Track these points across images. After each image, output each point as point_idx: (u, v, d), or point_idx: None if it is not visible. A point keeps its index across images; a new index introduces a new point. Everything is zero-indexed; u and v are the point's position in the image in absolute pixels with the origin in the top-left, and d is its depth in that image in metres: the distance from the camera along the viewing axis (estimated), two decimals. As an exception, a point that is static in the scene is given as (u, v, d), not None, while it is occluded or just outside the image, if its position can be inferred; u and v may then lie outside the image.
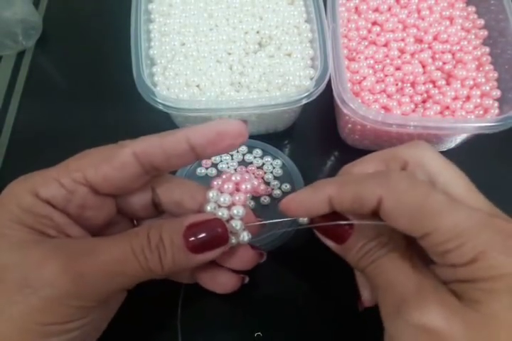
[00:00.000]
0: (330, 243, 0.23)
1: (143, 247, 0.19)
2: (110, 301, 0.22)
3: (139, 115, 0.37)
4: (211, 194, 0.21)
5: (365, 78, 0.32)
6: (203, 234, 0.20)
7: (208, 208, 0.21)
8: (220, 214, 0.21)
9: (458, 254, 0.17)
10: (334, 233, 0.22)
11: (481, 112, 0.32)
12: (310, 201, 0.21)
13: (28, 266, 0.18)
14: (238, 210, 0.21)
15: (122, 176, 0.20)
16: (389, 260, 0.19)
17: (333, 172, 0.36)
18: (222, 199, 0.21)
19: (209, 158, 0.24)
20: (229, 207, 0.21)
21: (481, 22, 0.34)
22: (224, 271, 0.25)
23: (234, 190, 0.22)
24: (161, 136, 0.20)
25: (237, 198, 0.21)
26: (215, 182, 0.22)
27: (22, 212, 0.19)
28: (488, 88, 0.32)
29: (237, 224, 0.21)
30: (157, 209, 0.24)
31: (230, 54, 0.32)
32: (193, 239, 0.19)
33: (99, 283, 0.18)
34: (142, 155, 0.20)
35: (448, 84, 0.33)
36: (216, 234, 0.20)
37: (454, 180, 0.21)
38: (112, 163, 0.20)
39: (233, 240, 0.21)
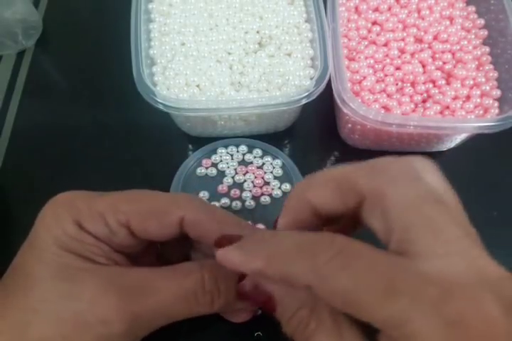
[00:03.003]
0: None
1: (197, 290, 0.19)
2: None
3: (139, 115, 0.37)
4: None
5: (365, 78, 0.32)
6: (258, 295, 0.19)
7: None
8: None
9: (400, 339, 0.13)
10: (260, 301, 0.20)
11: (481, 112, 0.32)
12: (240, 268, 0.17)
13: (81, 300, 0.17)
14: None
15: (163, 234, 0.20)
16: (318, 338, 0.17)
17: (333, 172, 0.36)
18: None
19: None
20: None
21: (481, 22, 0.34)
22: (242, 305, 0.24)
23: None
24: (218, 220, 0.20)
25: None
26: None
27: (69, 238, 0.18)
28: (488, 88, 0.32)
29: None
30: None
31: (230, 54, 0.32)
32: (247, 290, 0.19)
33: (150, 323, 0.18)
34: (186, 224, 0.20)
35: (448, 83, 0.33)
36: (265, 298, 0.19)
37: (418, 230, 0.15)
38: (159, 221, 0.19)
39: None
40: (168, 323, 0.19)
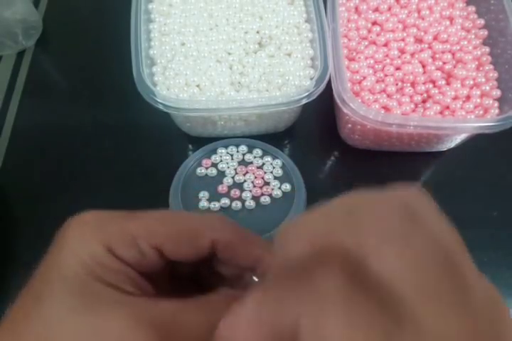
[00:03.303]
0: None
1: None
2: None
3: (139, 115, 0.37)
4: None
5: (365, 78, 0.32)
6: None
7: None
8: None
9: None
10: None
11: (481, 112, 0.32)
12: None
13: (109, 335, 0.15)
14: None
15: (194, 258, 0.19)
16: None
17: (333, 172, 0.36)
18: None
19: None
20: None
21: (481, 22, 0.34)
22: None
23: None
24: (241, 240, 0.19)
25: None
26: None
27: (97, 264, 0.16)
28: (488, 88, 0.32)
29: None
30: None
31: (230, 54, 0.32)
32: None
33: None
34: (215, 246, 0.19)
35: (448, 84, 0.33)
36: None
37: None
38: (193, 244, 0.19)
39: None
40: None
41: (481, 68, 0.33)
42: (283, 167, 0.33)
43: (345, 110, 0.29)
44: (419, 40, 0.34)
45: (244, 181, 0.33)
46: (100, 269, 0.16)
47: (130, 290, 0.17)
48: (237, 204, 0.32)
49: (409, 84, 0.33)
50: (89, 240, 0.17)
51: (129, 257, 0.17)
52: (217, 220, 0.20)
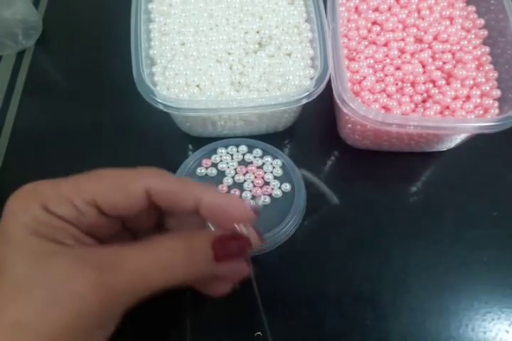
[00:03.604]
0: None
1: (170, 258, 0.19)
2: None
3: (139, 115, 0.37)
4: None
5: (365, 78, 0.32)
6: (231, 247, 0.20)
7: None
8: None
9: None
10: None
11: (481, 112, 0.32)
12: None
13: (54, 278, 0.17)
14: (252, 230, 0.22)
15: (131, 207, 0.20)
16: None
17: (333, 172, 0.36)
18: None
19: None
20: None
21: (481, 22, 0.34)
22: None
23: None
24: (178, 185, 0.21)
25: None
26: None
27: (37, 223, 0.18)
28: (488, 88, 0.32)
29: (251, 233, 0.22)
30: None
31: (230, 54, 0.32)
32: (223, 252, 0.20)
33: (128, 295, 0.18)
34: (153, 195, 0.20)
35: (448, 83, 0.33)
36: (243, 249, 0.21)
37: None
38: (124, 193, 0.20)
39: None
40: (144, 296, 0.19)
41: (481, 68, 0.33)
42: (283, 167, 0.33)
43: (345, 110, 0.29)
44: (419, 40, 0.34)
45: (244, 181, 0.33)
46: (41, 227, 0.18)
47: (70, 242, 0.19)
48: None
49: (409, 84, 0.33)
50: (28, 204, 0.19)
51: (65, 213, 0.19)
52: (148, 169, 0.21)
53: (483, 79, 0.32)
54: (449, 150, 0.36)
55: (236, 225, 0.21)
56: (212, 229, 0.23)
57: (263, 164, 0.33)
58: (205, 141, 0.34)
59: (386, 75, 0.33)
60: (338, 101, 0.29)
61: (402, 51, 0.34)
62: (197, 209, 0.21)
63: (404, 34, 0.34)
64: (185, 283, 0.20)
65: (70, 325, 0.17)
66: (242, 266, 0.23)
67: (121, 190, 0.20)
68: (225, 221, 0.21)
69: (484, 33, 0.34)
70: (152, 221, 0.23)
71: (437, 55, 0.33)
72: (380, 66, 0.33)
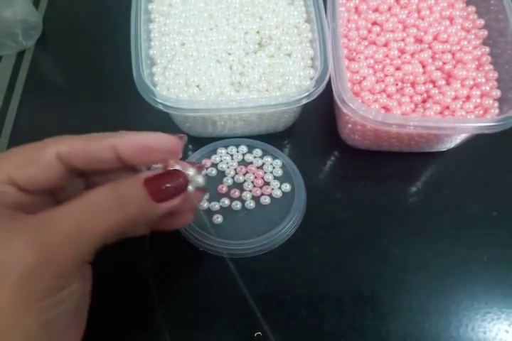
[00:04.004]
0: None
1: (101, 204, 0.19)
2: (84, 269, 0.21)
3: (139, 115, 0.36)
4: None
5: (365, 78, 0.32)
6: (166, 184, 0.20)
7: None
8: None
9: None
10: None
11: (481, 112, 0.32)
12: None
13: None
14: (191, 171, 0.22)
15: (48, 177, 0.20)
16: None
17: (333, 172, 0.36)
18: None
19: (143, 166, 0.23)
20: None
21: (481, 22, 0.34)
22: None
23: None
24: (87, 140, 0.20)
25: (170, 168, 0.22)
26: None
27: None
28: (488, 88, 0.32)
29: (189, 171, 0.22)
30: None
31: (230, 54, 0.32)
32: (157, 188, 0.20)
33: (68, 248, 0.18)
34: (65, 158, 0.20)
35: (448, 84, 0.33)
36: (178, 182, 0.21)
37: None
38: (36, 163, 0.20)
39: (190, 187, 0.22)
40: (94, 246, 0.19)
41: (481, 68, 0.33)
42: (283, 167, 0.33)
43: (345, 110, 0.29)
44: (419, 40, 0.34)
45: (244, 181, 0.33)
46: None
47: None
48: (237, 204, 0.32)
49: (409, 85, 0.33)
50: None
51: None
52: (57, 137, 0.21)
53: (483, 80, 0.32)
54: (449, 151, 0.36)
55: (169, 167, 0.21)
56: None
57: (263, 164, 0.33)
58: (205, 141, 0.34)
59: (386, 75, 0.33)
60: (338, 101, 0.29)
61: (402, 51, 0.34)
62: (119, 158, 0.20)
63: (404, 34, 0.34)
64: (132, 227, 0.20)
65: (22, 291, 0.17)
66: (196, 195, 0.23)
67: (32, 161, 0.20)
68: (151, 158, 0.21)
69: (484, 33, 0.34)
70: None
71: (437, 55, 0.33)
72: (380, 66, 0.33)
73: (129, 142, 0.20)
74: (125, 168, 0.22)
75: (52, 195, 0.22)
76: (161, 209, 0.20)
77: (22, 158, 0.20)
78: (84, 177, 0.23)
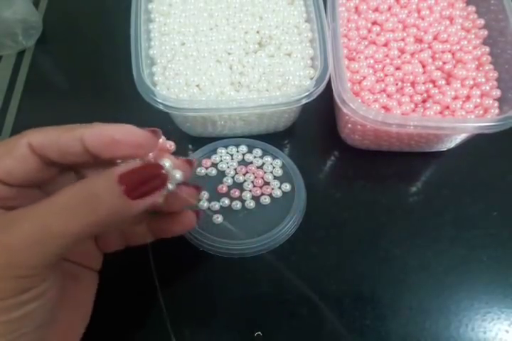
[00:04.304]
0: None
1: (71, 202, 0.18)
2: (58, 270, 0.20)
3: (139, 115, 0.36)
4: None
5: (365, 78, 0.32)
6: (143, 179, 0.19)
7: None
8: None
9: None
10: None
11: (481, 112, 0.32)
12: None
13: None
14: (167, 163, 0.20)
15: (24, 169, 0.19)
16: None
17: (333, 172, 0.36)
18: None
19: (114, 160, 0.21)
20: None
21: (481, 22, 0.34)
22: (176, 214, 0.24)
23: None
24: (59, 130, 0.20)
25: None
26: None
27: None
28: (488, 88, 0.32)
29: (165, 162, 0.20)
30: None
31: (229, 54, 0.32)
32: (132, 185, 0.18)
33: (31, 250, 0.17)
34: (38, 149, 0.19)
35: (448, 83, 0.33)
36: (153, 175, 0.19)
37: None
38: (10, 155, 0.19)
39: (169, 184, 0.20)
40: (66, 246, 0.18)
41: (480, 68, 0.33)
42: (283, 167, 0.33)
43: (345, 110, 0.29)
44: (419, 40, 0.34)
45: (244, 181, 0.33)
46: None
47: None
48: (237, 204, 0.32)
49: (409, 84, 0.33)
50: None
51: None
52: (31, 129, 0.20)
53: (483, 79, 0.32)
54: (449, 150, 0.36)
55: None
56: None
57: (263, 164, 0.33)
58: (205, 141, 0.34)
59: (386, 75, 0.33)
60: (338, 101, 0.29)
61: (402, 51, 0.34)
62: (87, 150, 0.19)
63: (404, 34, 0.34)
64: (106, 227, 0.19)
65: None
66: (188, 191, 0.22)
67: (7, 153, 0.19)
68: (119, 152, 0.20)
69: (484, 33, 0.34)
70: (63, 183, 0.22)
71: (437, 55, 0.33)
72: (380, 66, 0.33)
73: (95, 133, 0.19)
74: (102, 162, 0.20)
75: (40, 189, 0.22)
76: (137, 208, 0.18)
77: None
78: (76, 171, 0.22)
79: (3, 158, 0.19)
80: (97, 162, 0.21)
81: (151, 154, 0.21)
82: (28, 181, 0.20)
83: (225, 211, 0.32)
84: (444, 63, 0.33)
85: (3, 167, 0.19)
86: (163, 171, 0.20)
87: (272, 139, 0.35)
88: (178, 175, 0.21)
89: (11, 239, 0.17)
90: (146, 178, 0.19)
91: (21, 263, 0.17)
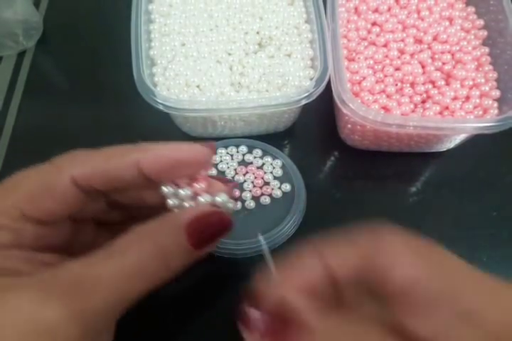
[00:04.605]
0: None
1: (144, 263, 0.17)
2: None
3: (139, 115, 0.37)
4: (166, 189, 0.19)
5: (364, 78, 0.32)
6: (208, 228, 0.18)
7: (171, 203, 0.19)
8: (187, 205, 0.19)
9: None
10: None
11: (481, 112, 0.32)
12: None
13: (20, 312, 0.14)
14: (222, 197, 0.20)
15: (65, 206, 0.18)
16: None
17: (333, 172, 0.36)
18: (182, 192, 0.19)
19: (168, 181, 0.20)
20: (193, 198, 0.20)
21: (481, 22, 0.34)
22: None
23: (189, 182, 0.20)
24: (106, 158, 0.18)
25: (198, 187, 0.20)
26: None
27: None
28: (487, 88, 0.32)
29: (221, 197, 0.20)
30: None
31: (230, 54, 0.32)
32: (199, 237, 0.18)
33: (107, 313, 0.16)
34: (82, 181, 0.18)
35: (447, 84, 0.33)
36: (222, 225, 0.19)
37: None
38: (50, 194, 0.17)
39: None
40: (127, 306, 0.17)
41: (480, 69, 0.33)
42: (283, 167, 0.33)
43: (344, 110, 0.29)
44: (418, 41, 0.34)
45: (244, 181, 0.33)
46: None
47: (27, 269, 0.16)
48: (237, 205, 0.32)
49: (408, 85, 0.33)
50: None
51: (3, 239, 0.17)
52: (67, 157, 0.19)
53: (483, 80, 0.32)
54: (448, 151, 0.36)
55: (197, 183, 0.19)
56: (166, 190, 0.20)
57: (263, 164, 0.34)
58: (205, 142, 0.34)
59: (386, 76, 0.33)
60: (337, 101, 0.29)
61: (402, 52, 0.34)
62: (142, 175, 0.18)
63: (404, 35, 0.34)
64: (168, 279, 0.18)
65: None
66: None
67: (46, 191, 0.17)
68: (178, 173, 0.19)
69: (484, 33, 0.34)
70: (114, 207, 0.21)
71: (437, 56, 0.33)
72: (379, 67, 0.33)
73: (154, 157, 0.18)
74: (148, 184, 0.19)
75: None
76: (199, 256, 0.18)
77: (34, 189, 0.17)
78: (104, 195, 0.21)
79: (41, 197, 0.17)
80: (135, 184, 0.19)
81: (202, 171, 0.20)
82: (67, 216, 0.19)
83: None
84: (444, 64, 0.33)
85: (41, 207, 0.17)
86: (227, 216, 0.19)
87: (272, 139, 0.35)
88: (231, 204, 0.20)
89: (84, 306, 0.15)
90: (212, 227, 0.18)
91: (98, 331, 0.16)
